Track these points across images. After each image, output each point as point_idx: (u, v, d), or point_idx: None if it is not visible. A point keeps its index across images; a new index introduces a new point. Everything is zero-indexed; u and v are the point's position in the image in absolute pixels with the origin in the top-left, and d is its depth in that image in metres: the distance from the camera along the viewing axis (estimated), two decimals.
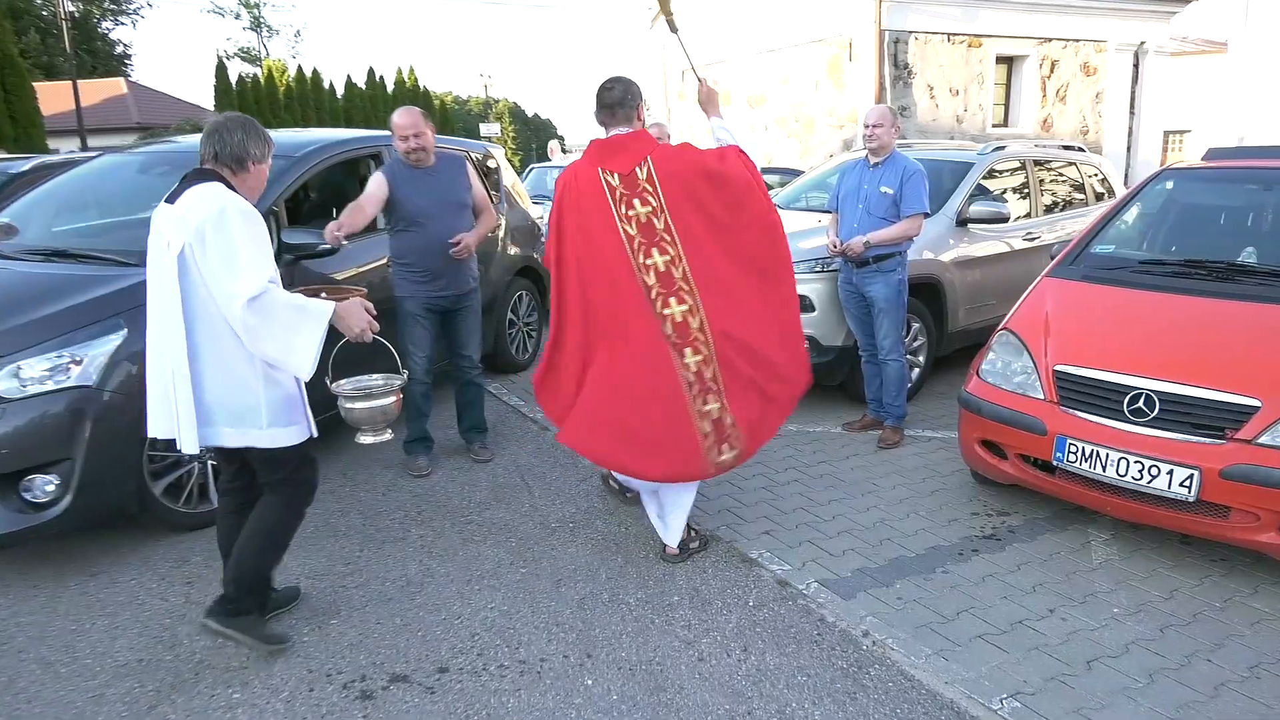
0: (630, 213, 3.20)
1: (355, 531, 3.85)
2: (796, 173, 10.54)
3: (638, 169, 3.20)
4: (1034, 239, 6.38)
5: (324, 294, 2.78)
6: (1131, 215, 4.52)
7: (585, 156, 3.33)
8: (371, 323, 2.72)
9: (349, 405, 2.97)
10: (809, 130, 12.59)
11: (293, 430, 2.73)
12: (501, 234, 6.06)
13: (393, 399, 2.99)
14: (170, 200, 2.61)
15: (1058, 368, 3.74)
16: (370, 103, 30.46)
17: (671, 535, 3.54)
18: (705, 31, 14.44)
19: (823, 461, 4.68)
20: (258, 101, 27.11)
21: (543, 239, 6.86)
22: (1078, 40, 12.73)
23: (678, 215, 3.20)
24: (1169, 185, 4.62)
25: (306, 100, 28.69)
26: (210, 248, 2.48)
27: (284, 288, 2.59)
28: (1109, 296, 4.01)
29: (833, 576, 3.44)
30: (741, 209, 3.32)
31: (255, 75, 30.73)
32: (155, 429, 2.69)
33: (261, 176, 2.75)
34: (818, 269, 5.33)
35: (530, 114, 79.94)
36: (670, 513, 3.53)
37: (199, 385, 2.59)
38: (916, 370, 5.76)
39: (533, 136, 64.29)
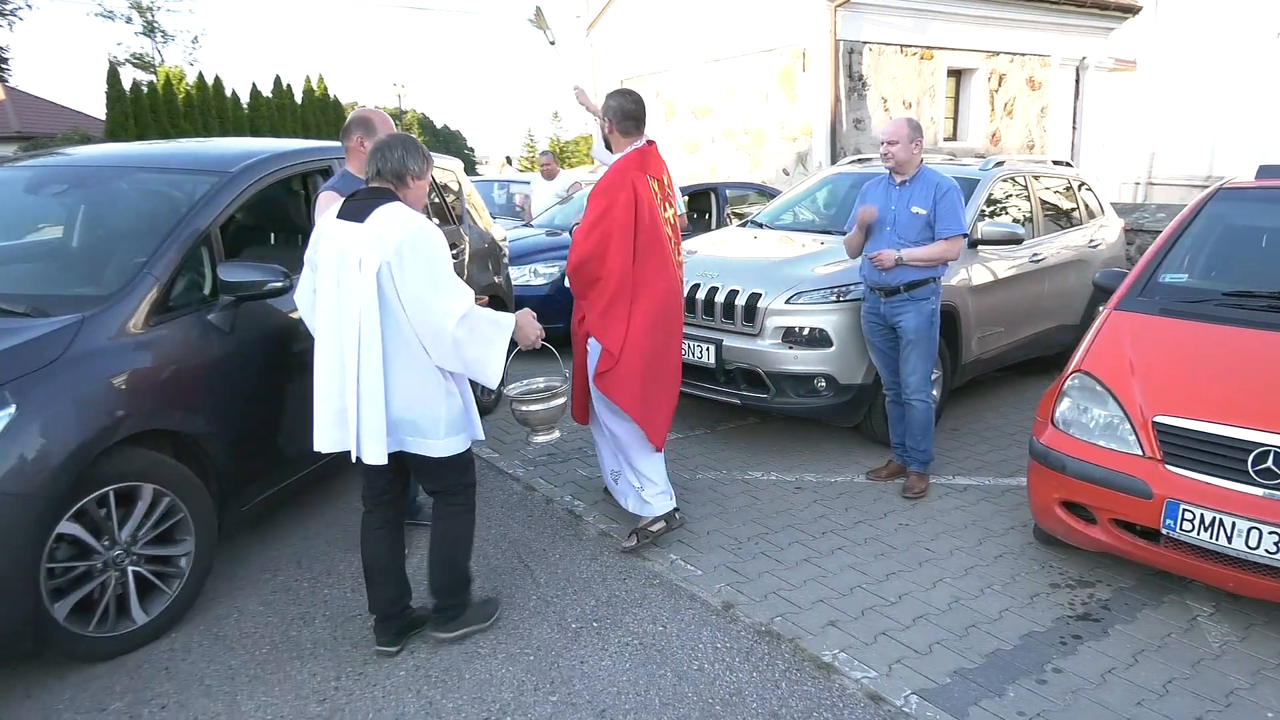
0: (665, 215, 3.68)
1: (325, 648, 3.05)
2: (762, 187, 10.02)
3: (665, 176, 3.76)
4: (1040, 260, 5.95)
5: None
6: (1192, 239, 4.07)
7: (633, 163, 3.63)
8: (541, 331, 2.99)
9: (526, 408, 3.14)
10: (759, 143, 12.12)
11: (463, 438, 2.90)
12: (465, 259, 5.29)
13: (564, 399, 3.27)
14: (354, 218, 2.68)
15: (1159, 419, 3.21)
16: (278, 112, 28.93)
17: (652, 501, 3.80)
18: (648, 41, 13.86)
19: (860, 522, 4.07)
20: (154, 109, 25.34)
21: (506, 260, 6.14)
22: (1024, 54, 12.62)
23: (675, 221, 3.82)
24: (1227, 206, 4.19)
25: (208, 109, 27.02)
26: (411, 266, 2.61)
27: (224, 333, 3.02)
28: (1200, 334, 3.52)
29: (930, 684, 2.82)
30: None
31: (151, 82, 28.81)
32: (322, 444, 2.79)
33: (421, 192, 2.85)
34: (833, 298, 4.75)
35: (440, 125, 78.11)
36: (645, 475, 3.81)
37: (390, 401, 2.71)
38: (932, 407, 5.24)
39: (442, 149, 62.40)
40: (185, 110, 26.44)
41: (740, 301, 4.88)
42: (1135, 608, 3.33)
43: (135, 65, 42.01)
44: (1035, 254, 5.90)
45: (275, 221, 4.56)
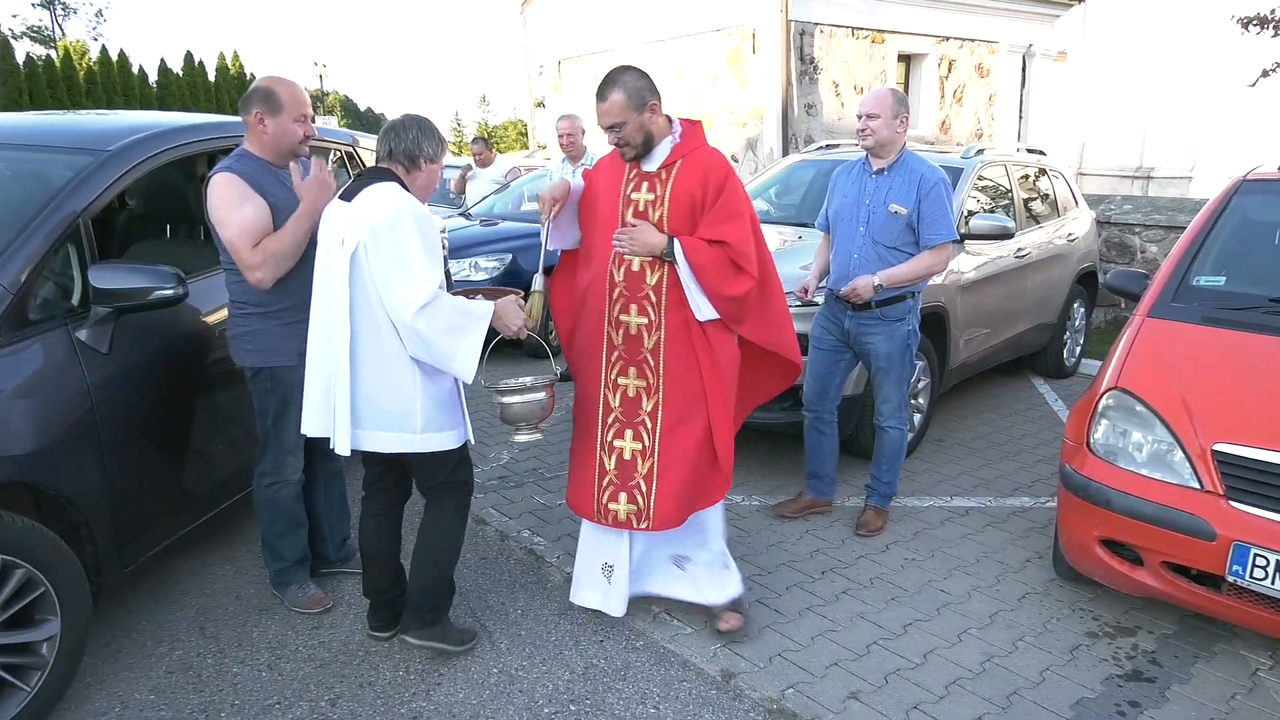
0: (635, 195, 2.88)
1: None
2: None
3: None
4: (1024, 255, 5.56)
5: (480, 296, 2.75)
6: (1222, 237, 3.67)
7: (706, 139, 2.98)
8: (527, 320, 2.73)
9: (506, 400, 2.79)
10: (706, 127, 11.58)
11: (449, 435, 2.70)
12: None
13: (544, 394, 2.81)
14: (346, 197, 2.61)
15: (1219, 447, 2.79)
16: (189, 90, 27.33)
17: (710, 590, 3.02)
18: (587, 19, 13.22)
19: (862, 557, 3.59)
20: (52, 85, 23.62)
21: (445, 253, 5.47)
22: (973, 40, 12.35)
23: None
24: (1254, 200, 3.81)
25: (113, 85, 25.34)
26: (383, 249, 2.50)
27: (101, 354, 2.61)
28: (1252, 346, 3.11)
29: None
30: None
31: (49, 56, 26.93)
32: (309, 428, 2.67)
33: (434, 176, 2.75)
34: (796, 303, 4.22)
35: (364, 108, 75.63)
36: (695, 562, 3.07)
37: (356, 386, 2.59)
38: (918, 416, 4.80)
39: (366, 132, 60.23)
40: (88, 87, 24.78)
41: None
42: (1186, 661, 2.92)
43: (33, 39, 39.38)
44: (1019, 249, 5.51)
45: (171, 212, 3.83)
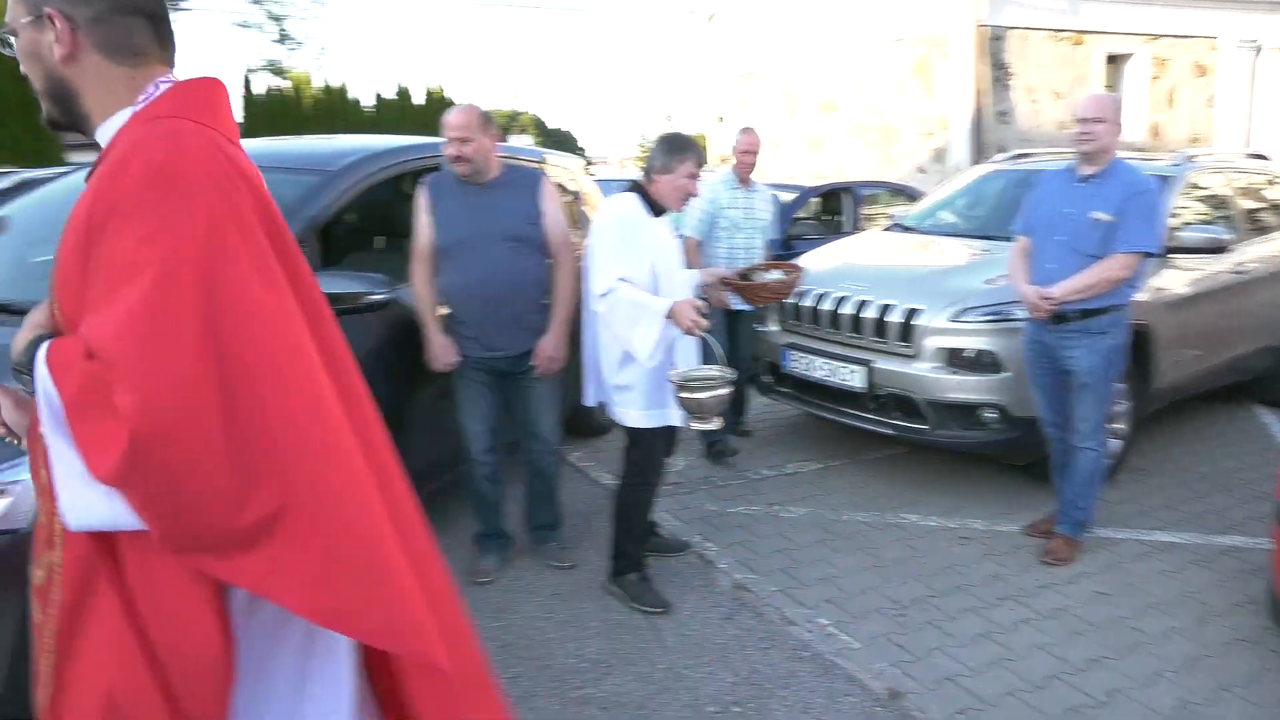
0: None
1: None
2: (899, 186, 9.28)
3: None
4: (1244, 272, 5.09)
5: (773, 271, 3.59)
6: None
7: (193, 114, 1.31)
8: (699, 320, 2.91)
9: (688, 395, 2.89)
10: (890, 139, 11.34)
11: (641, 414, 3.11)
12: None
13: (728, 389, 2.92)
14: None
15: None
16: (399, 114, 29.58)
17: None
18: (771, 33, 13.24)
19: (1045, 586, 3.41)
20: (284, 114, 26.24)
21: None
22: (1189, 37, 11.41)
23: None
24: None
25: (333, 113, 27.83)
26: (593, 246, 3.07)
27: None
28: None
29: None
30: None
31: (283, 87, 29.90)
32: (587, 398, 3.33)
33: (668, 186, 3.09)
34: (1005, 316, 4.07)
35: (552, 126, 78.91)
36: None
37: (594, 360, 3.21)
38: (1117, 442, 4.49)
39: (555, 149, 62.69)
40: (312, 114, 27.32)
41: (893, 318, 4.26)
42: None
43: (271, 72, 43.89)
44: (1239, 264, 5.05)
45: (382, 225, 4.22)
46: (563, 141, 73.27)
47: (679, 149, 3.09)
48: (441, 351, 3.26)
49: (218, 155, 1.22)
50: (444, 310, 3.28)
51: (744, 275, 3.81)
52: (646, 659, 2.92)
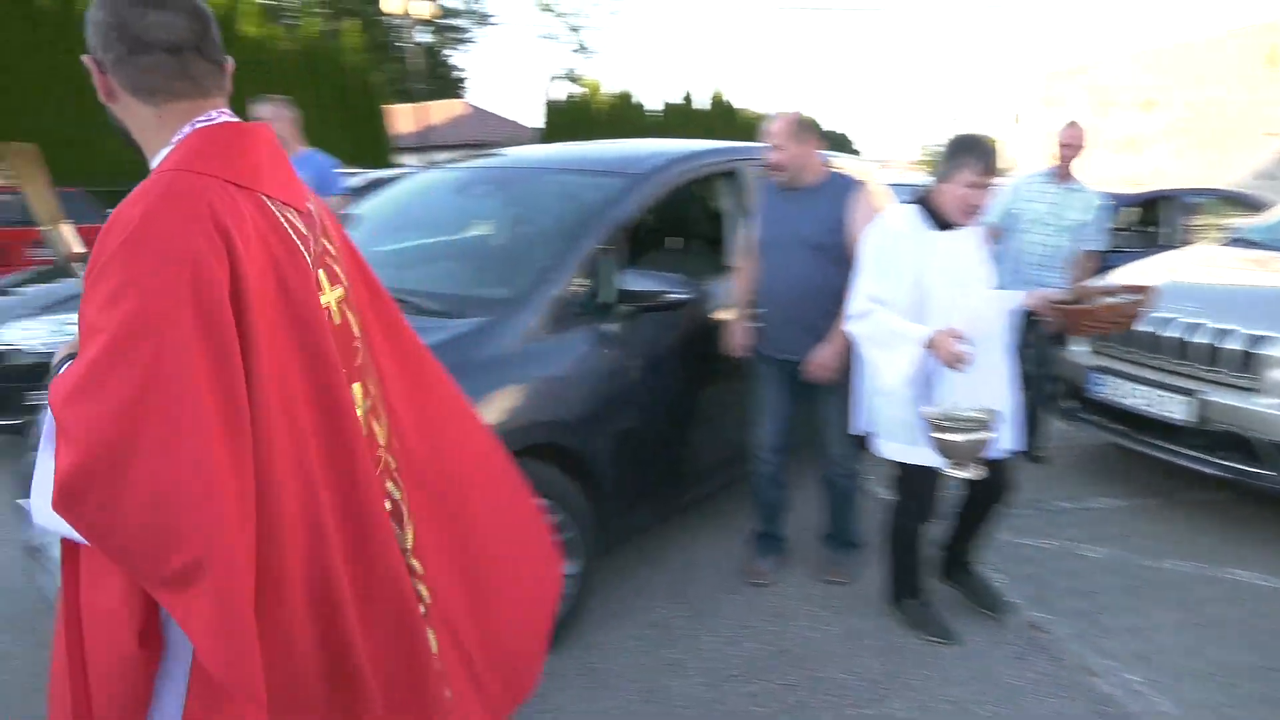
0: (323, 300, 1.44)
1: (697, 708, 2.69)
2: (1234, 194, 8.18)
3: (311, 205, 1.49)
4: None
5: (1110, 297, 2.85)
6: None
7: (213, 167, 1.30)
8: (961, 353, 2.63)
9: (941, 436, 2.61)
10: (1227, 140, 10.00)
11: (898, 449, 2.92)
12: None
13: (988, 434, 2.60)
14: None
15: None
16: (683, 118, 30.56)
17: None
18: (1078, 27, 12.15)
19: None
20: (575, 120, 28.01)
21: None
22: None
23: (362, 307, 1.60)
24: None
25: (621, 119, 29.30)
26: (857, 261, 2.92)
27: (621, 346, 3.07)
28: None
29: None
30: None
31: (578, 95, 31.91)
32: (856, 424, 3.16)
33: (948, 195, 2.80)
34: None
35: (826, 129, 77.82)
36: None
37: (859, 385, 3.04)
38: None
39: (836, 150, 61.90)
40: (604, 120, 28.94)
41: (1233, 345, 3.75)
42: None
43: (569, 80, 47.09)
44: None
45: (683, 226, 4.36)
46: (837, 144, 72.07)
47: (958, 152, 2.77)
48: (736, 337, 3.37)
49: (197, 217, 1.20)
50: (753, 305, 3.37)
51: (1076, 298, 3.03)
52: (928, 688, 2.79)
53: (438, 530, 1.64)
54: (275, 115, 4.80)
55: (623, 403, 3.13)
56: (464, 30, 45.35)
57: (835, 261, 3.18)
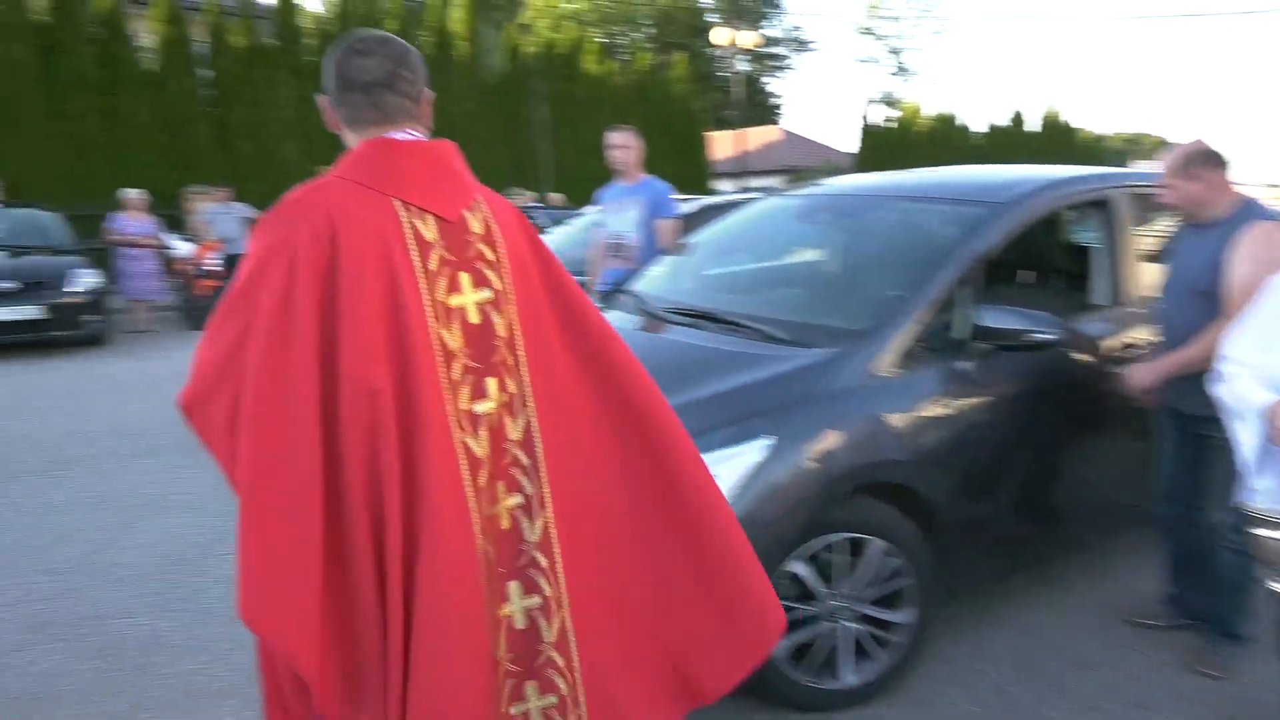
0: (455, 300, 1.60)
1: None
2: None
3: (468, 214, 1.65)
4: None
5: None
6: None
7: (355, 174, 1.61)
8: None
9: (1259, 532, 2.20)
10: None
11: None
12: None
13: None
14: None
15: None
16: (1010, 140, 28.66)
17: None
18: None
19: None
20: (893, 144, 27.27)
21: None
22: None
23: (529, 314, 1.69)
24: None
25: (940, 142, 28.08)
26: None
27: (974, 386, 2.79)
28: None
29: None
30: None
31: (895, 119, 31.10)
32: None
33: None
34: None
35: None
36: None
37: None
38: None
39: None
40: (923, 144, 27.92)
41: None
42: None
43: (885, 104, 46.09)
44: None
45: (1036, 259, 4.05)
46: None
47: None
48: (1131, 375, 3.05)
49: (304, 203, 1.54)
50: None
51: None
52: None
53: (581, 530, 1.67)
54: (622, 143, 5.13)
55: (972, 445, 2.94)
56: (783, 58, 46.03)
57: (1215, 308, 2.77)
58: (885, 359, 2.82)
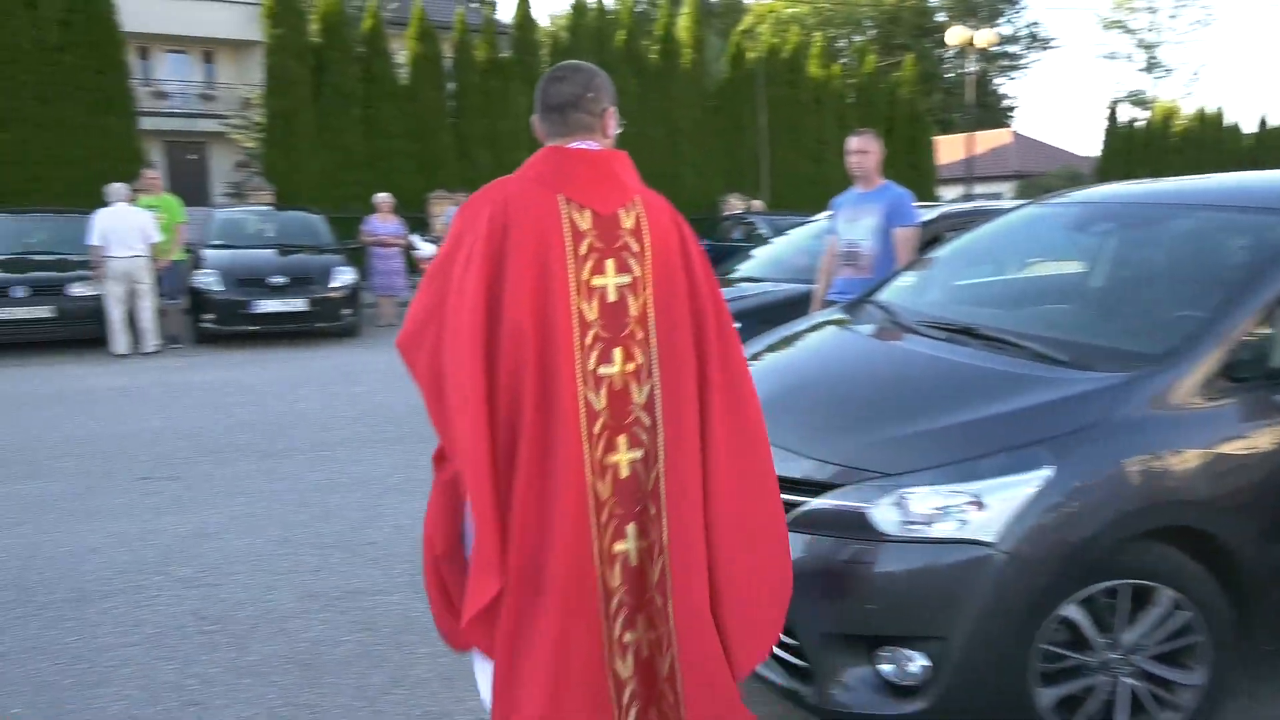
0: (597, 280, 1.93)
1: None
2: None
3: (622, 211, 1.97)
4: None
5: None
6: None
7: (531, 174, 2.01)
8: None
9: None
10: None
11: None
12: None
13: None
14: None
15: None
16: None
17: None
18: None
19: None
20: (1147, 145, 24.88)
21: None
22: None
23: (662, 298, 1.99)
24: None
25: (1203, 143, 25.29)
26: None
27: None
28: None
29: None
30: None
31: (1143, 119, 28.38)
32: None
33: None
34: None
35: None
36: None
37: None
38: None
39: None
40: (1178, 144, 25.29)
41: None
42: None
43: (1133, 103, 42.21)
44: None
45: None
46: None
47: None
48: None
49: (490, 195, 1.93)
50: None
51: None
52: None
53: (685, 489, 1.94)
54: (862, 147, 4.95)
55: None
56: (1017, 57, 43.32)
57: None
58: (1185, 387, 2.49)
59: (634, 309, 1.93)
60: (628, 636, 1.92)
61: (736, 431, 2.00)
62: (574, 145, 1.99)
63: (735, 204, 19.12)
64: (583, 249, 1.90)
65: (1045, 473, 2.30)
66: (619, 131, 2.12)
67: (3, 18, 13.33)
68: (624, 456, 1.90)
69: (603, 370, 1.89)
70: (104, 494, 4.82)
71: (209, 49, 28.29)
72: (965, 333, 3.01)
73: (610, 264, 1.92)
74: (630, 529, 1.91)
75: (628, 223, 1.95)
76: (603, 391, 1.89)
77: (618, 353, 1.91)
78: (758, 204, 18.80)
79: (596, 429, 1.88)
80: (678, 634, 1.91)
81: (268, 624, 3.29)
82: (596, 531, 1.87)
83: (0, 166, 13.50)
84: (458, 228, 1.95)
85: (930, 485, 2.33)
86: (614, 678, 1.91)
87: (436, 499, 2.05)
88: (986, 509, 2.29)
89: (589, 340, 1.88)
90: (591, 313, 1.89)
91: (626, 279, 1.93)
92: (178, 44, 27.63)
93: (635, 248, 1.95)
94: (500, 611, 1.83)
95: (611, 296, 1.91)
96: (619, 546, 1.90)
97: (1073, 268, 3.80)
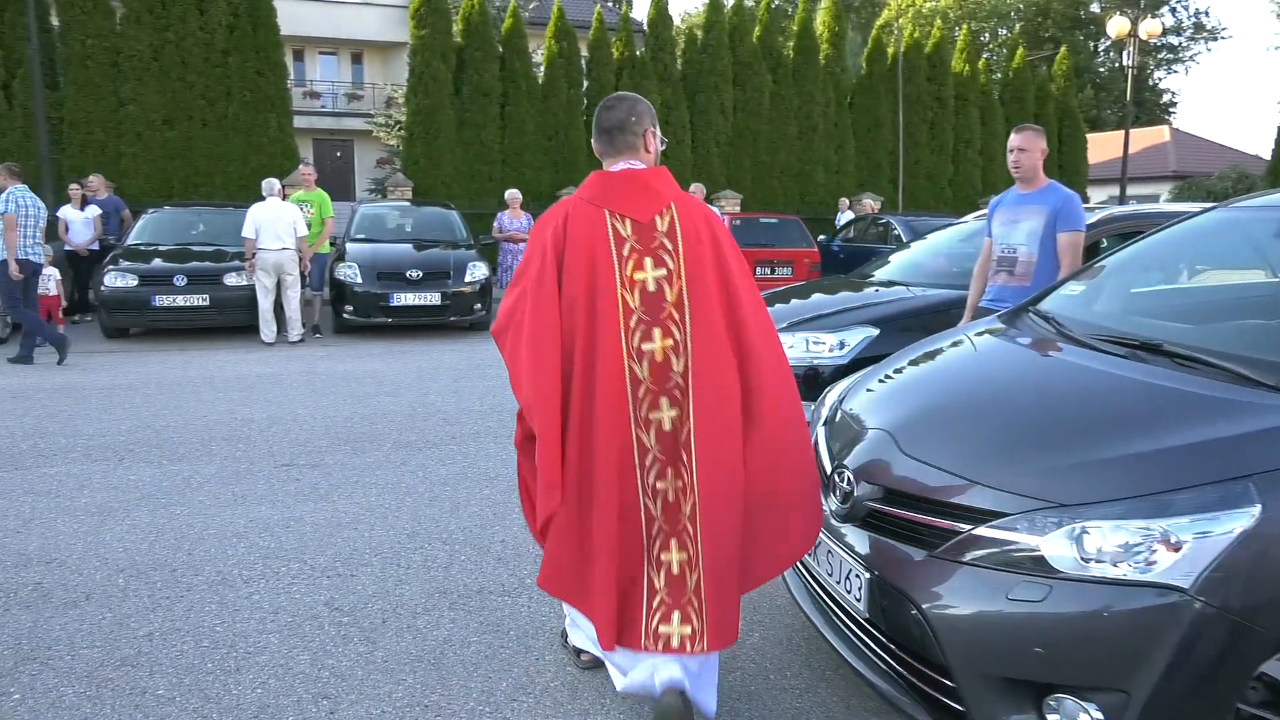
0: (638, 275, 2.47)
1: None
2: None
3: (658, 217, 2.52)
4: None
5: None
6: None
7: (585, 195, 2.58)
8: None
9: None
10: None
11: None
12: None
13: None
14: None
15: None
16: None
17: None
18: None
19: None
20: None
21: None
22: None
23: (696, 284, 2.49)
24: None
25: None
26: None
27: None
28: None
29: None
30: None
31: None
32: None
33: None
34: None
35: None
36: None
37: None
38: None
39: None
40: None
41: None
42: None
43: None
44: None
45: None
46: None
47: None
48: None
49: (554, 213, 2.53)
50: None
51: None
52: None
53: (711, 439, 2.41)
54: (1023, 145, 4.63)
55: None
56: (1180, 49, 40.44)
57: None
58: None
59: (670, 296, 2.42)
60: (663, 556, 2.42)
61: (757, 393, 2.47)
62: (619, 166, 2.55)
63: (869, 205, 18.54)
64: (625, 250, 2.43)
65: (1253, 511, 2.01)
66: (663, 148, 2.62)
67: (177, 23, 14.28)
68: (666, 414, 2.41)
69: (644, 346, 2.39)
70: (250, 479, 5.01)
71: (358, 50, 29.63)
72: (1150, 349, 2.71)
73: (649, 261, 2.43)
74: (670, 471, 2.42)
75: (662, 226, 2.46)
76: (644, 363, 2.40)
77: (657, 332, 2.40)
78: (869, 204, 18.16)
79: (640, 393, 2.41)
80: (704, 557, 2.39)
81: (398, 619, 3.30)
82: (640, 474, 2.42)
83: (168, 162, 14.47)
84: (531, 242, 2.53)
85: (1116, 520, 2.08)
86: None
87: (525, 455, 2.67)
88: (1181, 550, 2.02)
89: (633, 323, 2.40)
90: (634, 301, 2.40)
91: (663, 271, 2.42)
92: (329, 46, 29.06)
93: (670, 246, 2.44)
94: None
95: (651, 287, 2.41)
96: (661, 484, 2.43)
97: (1257, 277, 3.40)
